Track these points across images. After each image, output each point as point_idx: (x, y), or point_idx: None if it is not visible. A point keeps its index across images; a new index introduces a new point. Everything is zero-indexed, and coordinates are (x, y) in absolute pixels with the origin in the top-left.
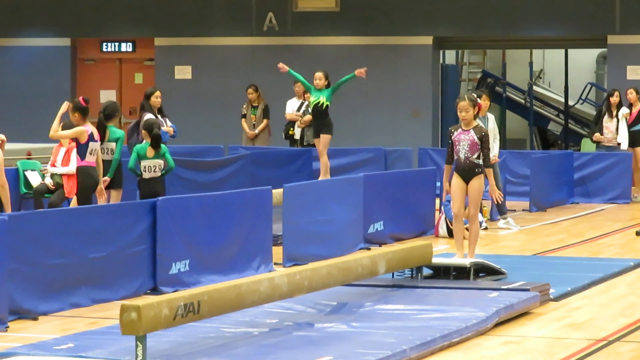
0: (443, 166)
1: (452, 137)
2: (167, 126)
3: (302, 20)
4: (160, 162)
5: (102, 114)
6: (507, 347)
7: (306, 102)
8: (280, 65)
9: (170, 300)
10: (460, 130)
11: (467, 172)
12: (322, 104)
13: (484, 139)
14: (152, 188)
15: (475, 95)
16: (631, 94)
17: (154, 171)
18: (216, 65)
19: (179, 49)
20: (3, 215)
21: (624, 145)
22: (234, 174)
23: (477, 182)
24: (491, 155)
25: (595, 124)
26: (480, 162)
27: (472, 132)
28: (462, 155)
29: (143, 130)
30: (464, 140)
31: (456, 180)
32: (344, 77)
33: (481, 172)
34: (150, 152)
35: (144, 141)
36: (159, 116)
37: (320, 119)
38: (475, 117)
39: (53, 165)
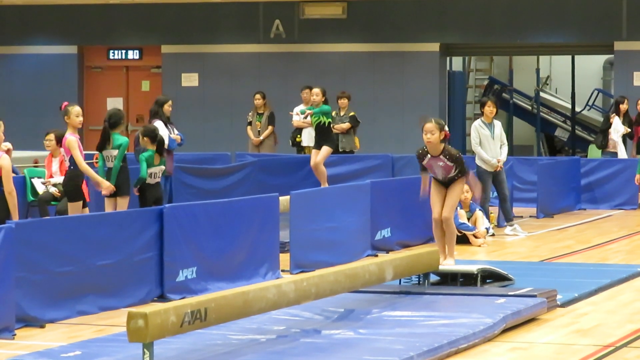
0: None
1: (423, 163)
2: (174, 134)
3: (309, 27)
4: (163, 168)
5: (107, 122)
6: (515, 354)
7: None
8: (306, 113)
9: (177, 307)
10: (429, 157)
11: (448, 182)
12: (324, 122)
13: (457, 160)
14: (157, 194)
15: (443, 122)
16: None
17: (157, 177)
18: (223, 73)
19: (186, 56)
20: (10, 223)
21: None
22: (241, 181)
23: (456, 185)
24: (493, 160)
25: (604, 132)
26: (458, 174)
27: (442, 157)
28: (439, 176)
29: (145, 137)
30: (436, 166)
31: (435, 186)
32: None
33: (462, 176)
34: (156, 159)
35: (147, 148)
36: (167, 124)
37: (325, 134)
38: (442, 142)
39: (51, 177)
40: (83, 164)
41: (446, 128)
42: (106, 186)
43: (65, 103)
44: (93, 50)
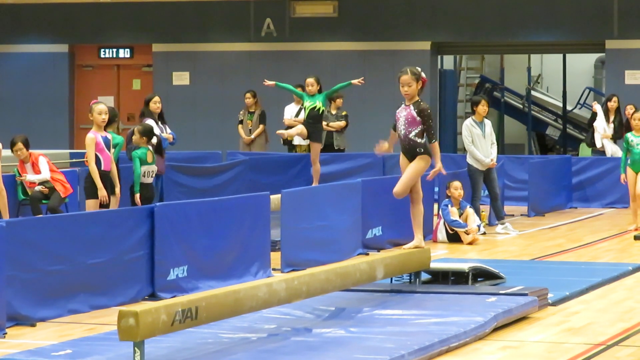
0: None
1: (397, 112)
2: (166, 133)
3: (300, 26)
4: (155, 167)
5: None
6: (506, 352)
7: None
8: (266, 82)
9: (168, 306)
10: (402, 106)
11: (410, 152)
12: (319, 109)
13: (423, 115)
14: (150, 193)
15: (419, 69)
16: (630, 109)
17: (150, 176)
18: (214, 71)
19: (177, 55)
20: (1, 222)
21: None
22: (232, 179)
23: (417, 161)
24: (487, 160)
25: (591, 126)
26: (421, 141)
27: (411, 107)
28: (401, 132)
29: (142, 136)
30: (402, 116)
31: (403, 160)
32: (340, 84)
33: (424, 153)
34: (149, 157)
35: (140, 146)
36: (159, 122)
37: (315, 124)
38: (419, 92)
39: (23, 173)
40: (92, 164)
41: (423, 75)
42: (101, 195)
43: (94, 101)
44: (84, 49)
